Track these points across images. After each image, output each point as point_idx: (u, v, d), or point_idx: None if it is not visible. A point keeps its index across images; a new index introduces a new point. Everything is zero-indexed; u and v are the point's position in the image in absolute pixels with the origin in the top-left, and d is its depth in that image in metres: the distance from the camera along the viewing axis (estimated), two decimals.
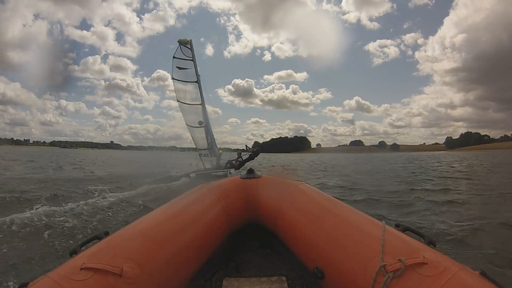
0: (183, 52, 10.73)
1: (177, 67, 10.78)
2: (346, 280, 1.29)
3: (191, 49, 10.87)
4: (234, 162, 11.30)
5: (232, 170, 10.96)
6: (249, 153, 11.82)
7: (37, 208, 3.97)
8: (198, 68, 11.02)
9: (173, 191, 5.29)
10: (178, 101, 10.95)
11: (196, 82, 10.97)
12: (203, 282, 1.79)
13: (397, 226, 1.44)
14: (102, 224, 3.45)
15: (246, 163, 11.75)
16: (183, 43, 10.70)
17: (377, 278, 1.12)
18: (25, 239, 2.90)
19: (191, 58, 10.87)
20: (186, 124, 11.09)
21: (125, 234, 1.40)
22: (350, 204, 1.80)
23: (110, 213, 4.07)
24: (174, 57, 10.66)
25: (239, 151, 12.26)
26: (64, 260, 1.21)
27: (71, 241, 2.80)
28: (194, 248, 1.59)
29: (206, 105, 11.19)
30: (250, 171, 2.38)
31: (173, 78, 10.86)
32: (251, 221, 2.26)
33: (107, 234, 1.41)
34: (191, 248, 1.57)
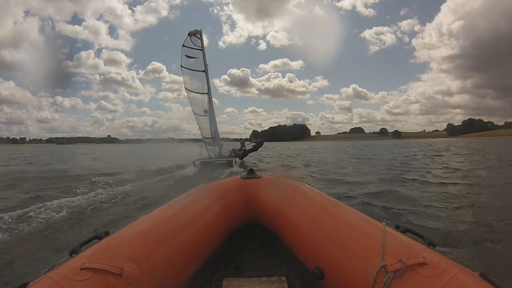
0: (192, 41, 10.91)
1: (186, 55, 10.92)
2: (347, 280, 1.30)
3: (201, 38, 11.07)
4: (238, 151, 11.47)
5: (237, 159, 11.13)
6: (253, 144, 11.95)
7: (34, 205, 3.89)
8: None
9: (174, 189, 5.20)
10: (185, 89, 11.12)
11: (203, 71, 11.13)
12: (203, 282, 1.79)
13: (397, 227, 1.45)
14: (102, 223, 3.42)
15: (249, 153, 11.85)
16: (193, 34, 10.86)
17: (377, 278, 1.13)
18: (25, 238, 2.88)
19: (200, 48, 11.03)
20: (193, 112, 11.23)
21: (125, 234, 1.40)
22: (349, 205, 1.80)
23: (110, 211, 4.02)
24: (183, 46, 10.81)
25: (242, 140, 12.42)
26: (64, 260, 1.21)
27: (71, 241, 2.79)
28: (194, 248, 1.59)
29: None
30: (250, 171, 2.38)
31: (181, 66, 10.98)
32: (251, 221, 2.27)
33: (107, 234, 1.41)
34: (191, 248, 1.57)
